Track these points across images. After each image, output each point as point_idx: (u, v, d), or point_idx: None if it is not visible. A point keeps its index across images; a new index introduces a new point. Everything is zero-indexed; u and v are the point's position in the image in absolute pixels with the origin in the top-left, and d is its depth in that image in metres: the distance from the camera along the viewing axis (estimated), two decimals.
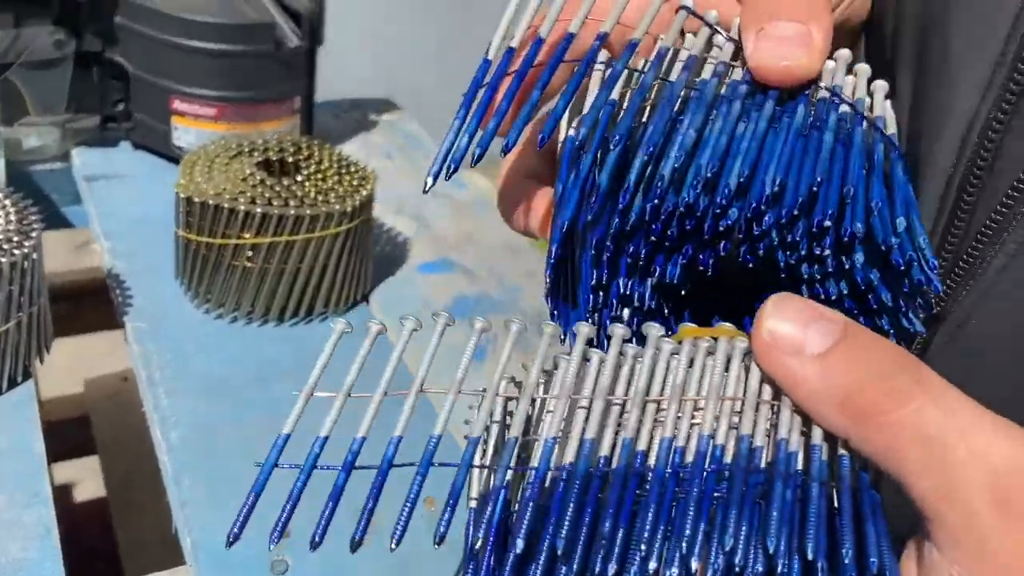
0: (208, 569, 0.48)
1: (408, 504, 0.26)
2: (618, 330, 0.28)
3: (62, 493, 1.06)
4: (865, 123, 0.30)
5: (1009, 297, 0.31)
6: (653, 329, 0.28)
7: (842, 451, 0.25)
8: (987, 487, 0.23)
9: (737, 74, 0.31)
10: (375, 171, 0.69)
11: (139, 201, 0.78)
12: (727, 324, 0.28)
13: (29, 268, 0.54)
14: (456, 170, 0.28)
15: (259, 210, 0.60)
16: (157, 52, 0.78)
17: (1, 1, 0.74)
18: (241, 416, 0.58)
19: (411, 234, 0.81)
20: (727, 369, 0.27)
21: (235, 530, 0.26)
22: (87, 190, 0.79)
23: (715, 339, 0.28)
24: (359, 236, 0.66)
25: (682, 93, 0.29)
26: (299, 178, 0.66)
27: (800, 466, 0.25)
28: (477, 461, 0.27)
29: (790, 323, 0.25)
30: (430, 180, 0.28)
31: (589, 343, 0.28)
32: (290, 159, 0.68)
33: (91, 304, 0.93)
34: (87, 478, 1.07)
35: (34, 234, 0.55)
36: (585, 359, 0.28)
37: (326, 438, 0.27)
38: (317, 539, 0.26)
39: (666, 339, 0.27)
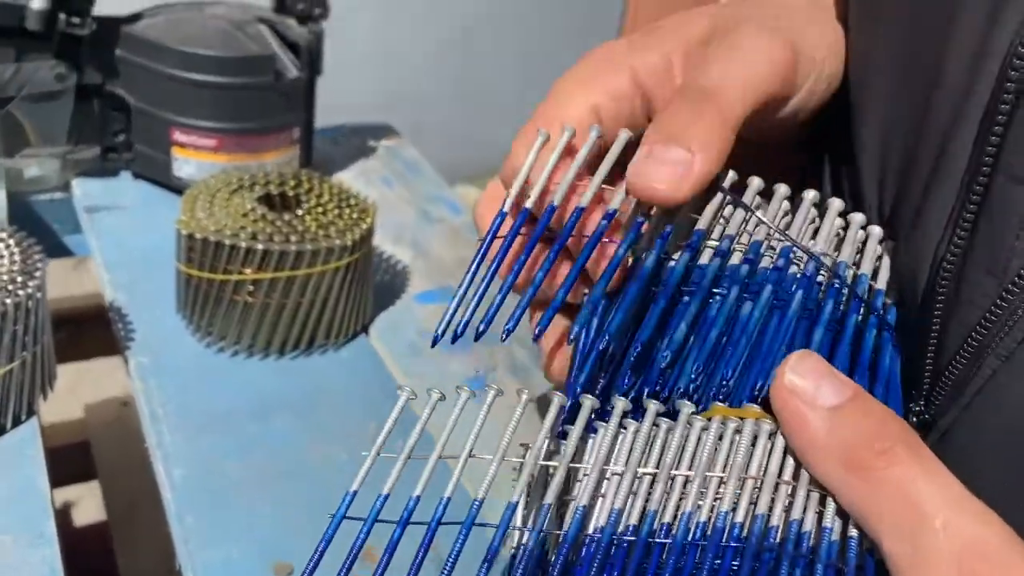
0: None
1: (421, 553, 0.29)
2: (651, 406, 0.30)
3: (63, 519, 1.06)
4: (862, 306, 0.33)
5: (987, 417, 0.32)
6: (685, 407, 0.30)
7: (851, 533, 0.27)
8: (955, 560, 0.24)
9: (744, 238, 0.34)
10: (375, 203, 0.70)
11: (140, 232, 0.79)
12: (755, 406, 0.30)
13: (33, 308, 0.55)
14: (460, 336, 0.32)
15: (260, 246, 0.61)
16: (158, 85, 0.78)
17: (2, 36, 0.74)
18: (243, 451, 0.58)
19: (409, 262, 0.81)
20: (752, 448, 0.29)
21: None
22: (88, 221, 0.80)
23: (743, 419, 0.30)
24: (359, 269, 0.67)
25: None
26: (299, 212, 0.66)
27: (811, 544, 0.27)
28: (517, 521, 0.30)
29: (809, 376, 0.28)
30: (439, 337, 0.32)
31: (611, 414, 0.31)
32: (291, 192, 0.69)
33: (91, 329, 0.94)
34: (88, 503, 1.08)
35: (38, 273, 0.56)
36: (621, 427, 0.30)
37: (387, 496, 0.30)
38: None
39: (697, 416, 0.30)
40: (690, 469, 0.29)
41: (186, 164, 0.80)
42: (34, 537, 0.50)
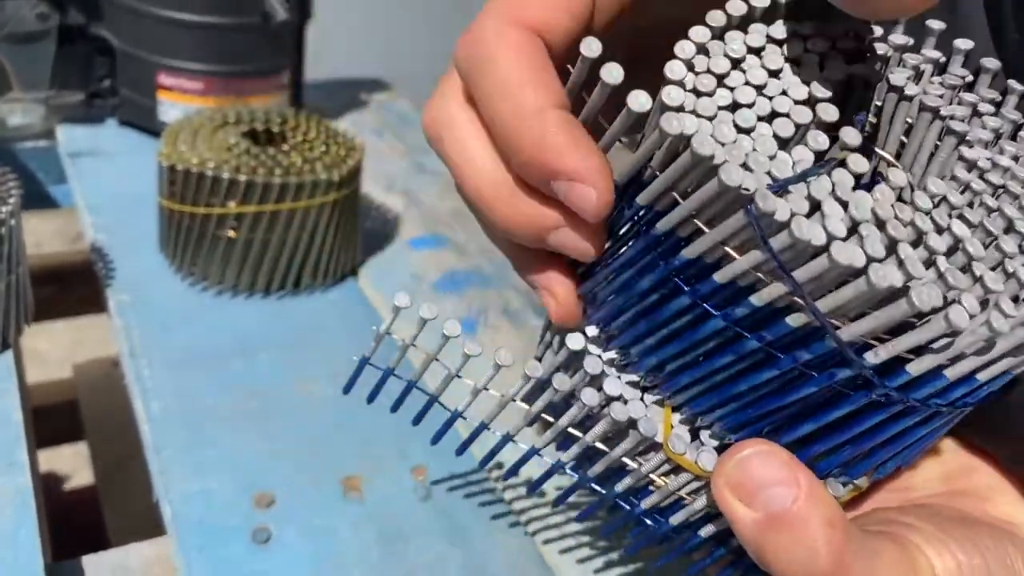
0: (188, 538, 0.46)
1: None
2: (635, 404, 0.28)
3: (51, 479, 1.04)
4: None
5: None
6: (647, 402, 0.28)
7: None
8: None
9: None
10: (363, 142, 0.68)
11: (124, 177, 0.77)
12: (709, 467, 0.27)
13: (7, 234, 0.53)
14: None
15: (243, 178, 0.59)
16: (142, 25, 0.76)
17: None
18: (225, 387, 0.56)
19: (401, 210, 0.79)
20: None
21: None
22: (71, 166, 0.78)
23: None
24: (346, 207, 0.65)
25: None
26: (285, 147, 0.64)
27: None
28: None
29: (748, 482, 0.25)
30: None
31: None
32: (276, 129, 0.67)
33: (82, 287, 0.92)
34: (76, 464, 1.06)
35: (12, 199, 0.54)
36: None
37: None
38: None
39: (648, 420, 0.28)
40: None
41: (172, 108, 0.78)
42: (5, 465, 0.48)
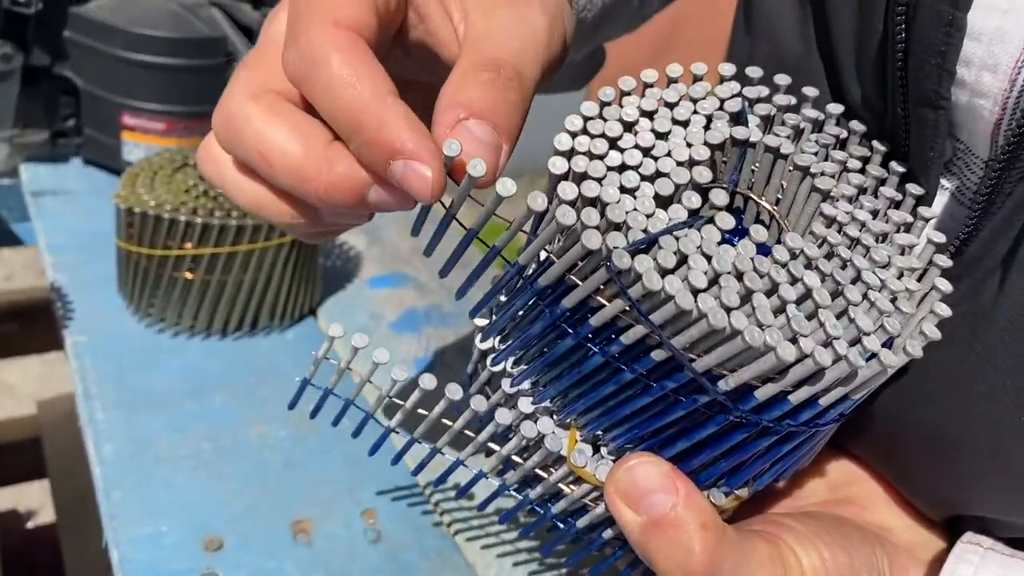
0: None
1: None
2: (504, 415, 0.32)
3: (13, 516, 1.04)
4: None
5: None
6: (550, 423, 0.31)
7: None
8: None
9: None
10: None
11: (87, 216, 0.77)
12: (593, 476, 0.31)
13: None
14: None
15: (199, 220, 0.60)
16: (107, 66, 0.77)
17: None
18: (178, 429, 0.57)
19: (363, 248, 0.80)
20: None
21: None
22: (34, 205, 0.78)
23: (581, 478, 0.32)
24: (304, 248, 0.65)
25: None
26: None
27: None
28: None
29: (634, 490, 0.28)
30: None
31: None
32: None
33: (50, 322, 0.92)
34: (38, 501, 1.06)
35: None
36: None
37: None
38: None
39: (554, 437, 0.31)
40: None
41: (136, 148, 0.79)
42: None
